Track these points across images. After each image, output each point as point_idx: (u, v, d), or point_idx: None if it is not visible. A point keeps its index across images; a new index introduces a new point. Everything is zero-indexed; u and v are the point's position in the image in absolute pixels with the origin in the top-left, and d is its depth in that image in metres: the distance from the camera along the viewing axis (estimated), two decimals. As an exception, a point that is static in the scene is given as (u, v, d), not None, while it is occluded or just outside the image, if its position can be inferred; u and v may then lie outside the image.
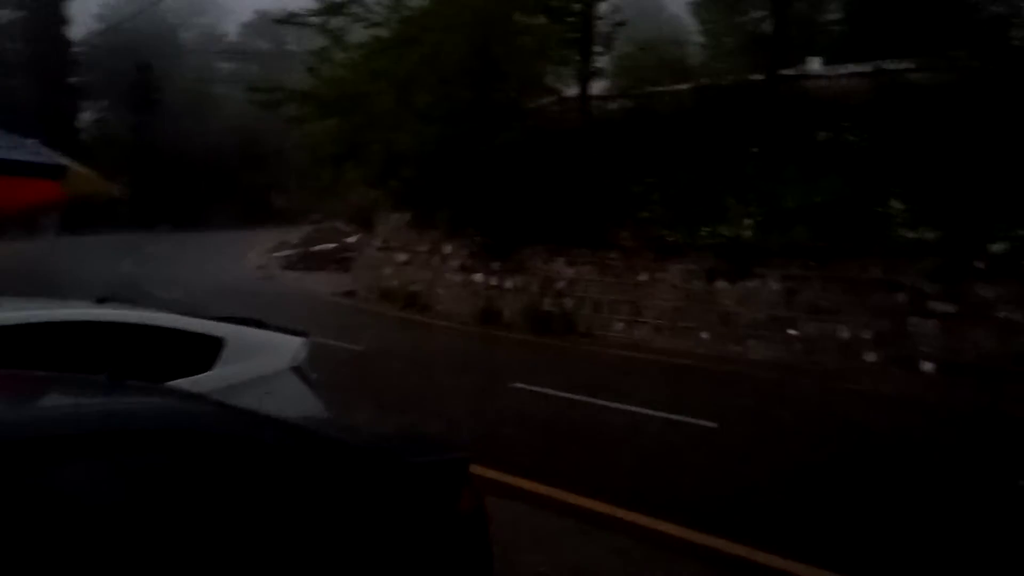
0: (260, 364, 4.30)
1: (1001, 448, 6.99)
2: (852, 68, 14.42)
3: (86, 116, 46.63)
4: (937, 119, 10.92)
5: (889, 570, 4.39)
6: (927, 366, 9.91)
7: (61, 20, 40.64)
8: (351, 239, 26.30)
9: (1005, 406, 8.42)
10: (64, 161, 5.93)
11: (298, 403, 4.18)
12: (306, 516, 2.09)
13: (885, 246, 10.56)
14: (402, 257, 17.80)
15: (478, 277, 15.45)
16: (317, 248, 27.82)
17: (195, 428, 1.98)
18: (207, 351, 4.13)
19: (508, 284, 14.88)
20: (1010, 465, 6.27)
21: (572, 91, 16.86)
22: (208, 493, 1.87)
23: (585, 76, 15.88)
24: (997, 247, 9.80)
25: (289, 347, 4.52)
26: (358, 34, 17.09)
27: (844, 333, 10.68)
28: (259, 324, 4.61)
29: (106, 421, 1.88)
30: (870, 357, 10.38)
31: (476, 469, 5.33)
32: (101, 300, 4.39)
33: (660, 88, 16.52)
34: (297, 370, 4.46)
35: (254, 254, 29.09)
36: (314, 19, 16.71)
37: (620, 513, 4.97)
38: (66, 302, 4.33)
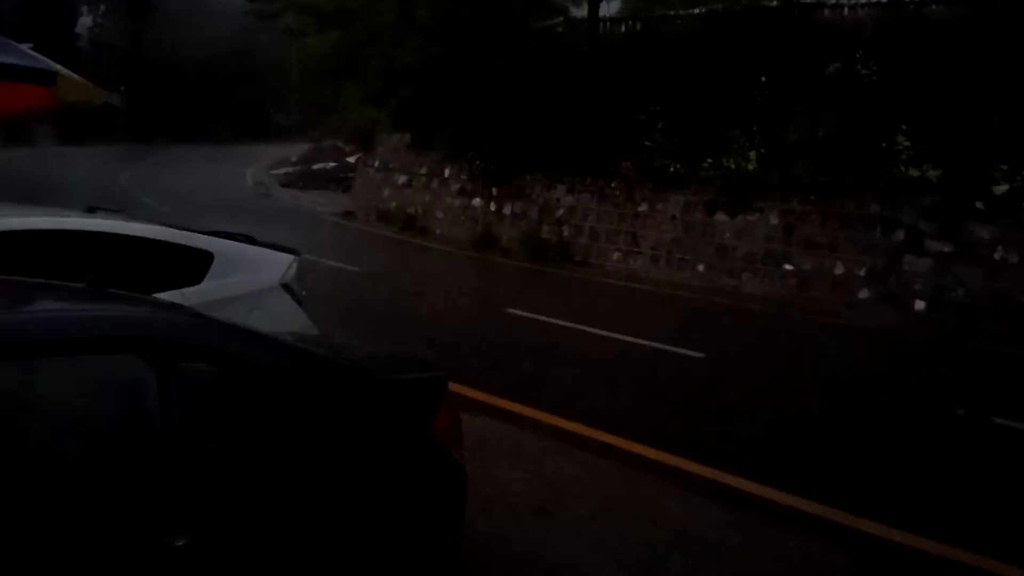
0: (249, 280, 4.32)
1: (961, 381, 7.19)
2: (870, -3, 13.94)
3: (84, 21, 45.38)
4: (950, 55, 10.64)
5: (805, 478, 4.67)
6: (918, 304, 9.98)
7: (55, -82, 39.00)
8: (351, 158, 26.04)
9: (980, 343, 8.64)
10: (55, 67, 5.81)
11: (286, 320, 4.21)
12: (275, 427, 2.15)
13: (887, 183, 10.47)
14: (401, 179, 17.66)
15: (477, 202, 15.38)
16: (316, 167, 27.56)
17: (171, 338, 2.02)
18: (196, 265, 4.15)
19: (507, 210, 14.81)
20: (960, 396, 6.51)
21: (580, 12, 16.36)
22: (180, 401, 1.91)
23: (594, -4, 15.34)
24: (999, 188, 9.72)
25: (279, 264, 4.54)
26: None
27: (839, 269, 10.71)
28: (249, 240, 4.62)
29: (83, 327, 1.92)
30: (863, 293, 10.45)
31: (464, 390, 5.50)
32: (91, 210, 4.39)
33: (671, 12, 16.04)
34: (287, 287, 4.49)
35: (252, 170, 28.84)
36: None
37: (598, 435, 5.11)
38: (56, 211, 4.34)
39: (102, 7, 46.18)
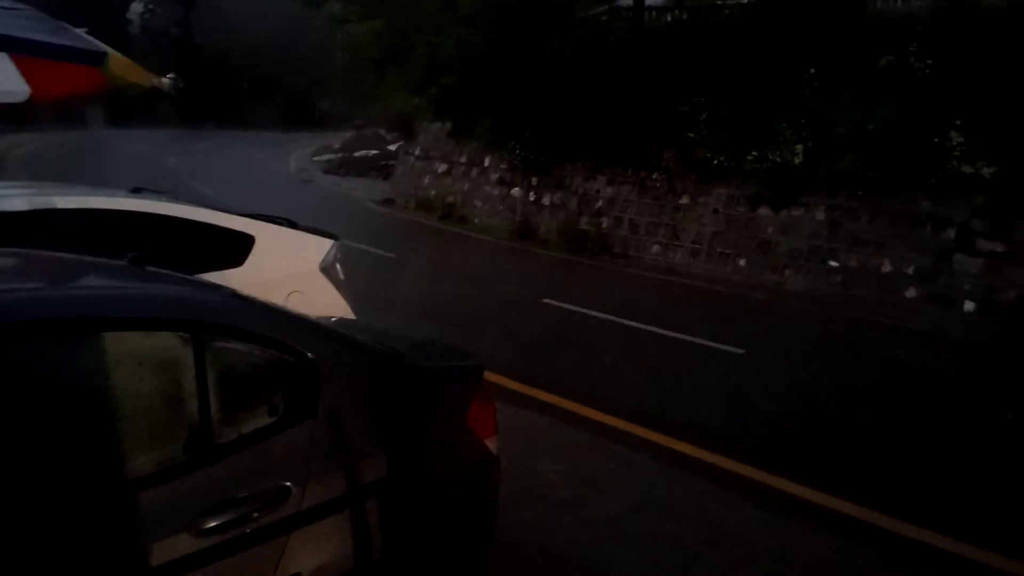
0: (289, 263, 4.35)
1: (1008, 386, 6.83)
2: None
3: (135, 7, 46.37)
4: (1007, 48, 10.25)
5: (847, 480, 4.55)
6: (968, 305, 9.68)
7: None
8: (392, 146, 26.16)
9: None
10: (106, 48, 5.92)
11: (325, 304, 4.23)
12: (308, 410, 2.13)
13: (938, 179, 10.16)
14: (441, 167, 17.69)
15: (516, 191, 15.33)
16: (358, 154, 27.75)
17: (207, 319, 2.02)
18: (237, 247, 4.18)
19: (546, 200, 14.75)
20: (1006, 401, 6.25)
21: (625, 0, 16.15)
22: (217, 383, 1.92)
23: (640, -16, 15.12)
24: (1056, 187, 9.36)
25: (319, 248, 4.55)
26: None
27: (886, 267, 10.43)
28: (291, 224, 4.64)
29: (118, 305, 1.93)
30: (910, 293, 10.16)
31: (499, 379, 5.48)
32: (136, 190, 4.45)
33: (718, 1, 15.75)
34: (326, 271, 4.51)
35: (295, 157, 29.18)
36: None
37: (634, 429, 5.06)
38: (102, 190, 4.41)
39: (154, -7, 47.10)
